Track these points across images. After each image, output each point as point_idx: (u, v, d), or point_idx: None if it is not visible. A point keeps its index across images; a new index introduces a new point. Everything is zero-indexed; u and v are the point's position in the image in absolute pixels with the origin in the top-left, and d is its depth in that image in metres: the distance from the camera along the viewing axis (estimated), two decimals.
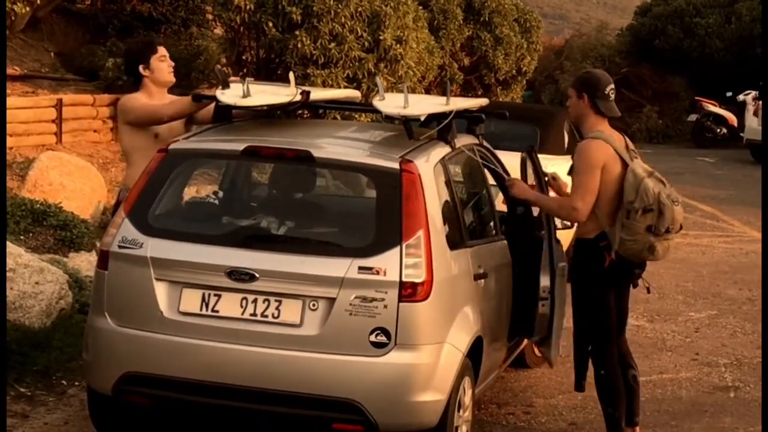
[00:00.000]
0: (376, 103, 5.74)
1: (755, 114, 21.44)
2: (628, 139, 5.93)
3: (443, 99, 5.96)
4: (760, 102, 21.45)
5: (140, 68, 6.28)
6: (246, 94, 5.72)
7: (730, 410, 6.89)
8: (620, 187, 5.71)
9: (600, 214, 5.77)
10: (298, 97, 6.06)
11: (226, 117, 6.01)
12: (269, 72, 13.55)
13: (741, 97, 22.24)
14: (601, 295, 5.85)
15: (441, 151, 5.65)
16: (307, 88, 6.27)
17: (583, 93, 5.85)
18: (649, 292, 6.28)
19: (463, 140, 6.10)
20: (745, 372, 7.72)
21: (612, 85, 5.89)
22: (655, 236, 5.67)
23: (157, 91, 6.32)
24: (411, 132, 5.61)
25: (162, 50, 6.37)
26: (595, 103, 5.82)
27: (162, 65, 6.32)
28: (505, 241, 6.40)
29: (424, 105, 6.05)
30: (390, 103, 5.77)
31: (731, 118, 23.22)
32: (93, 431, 5.70)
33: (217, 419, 5.33)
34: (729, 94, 22.82)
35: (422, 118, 6.17)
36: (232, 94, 5.78)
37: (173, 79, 6.43)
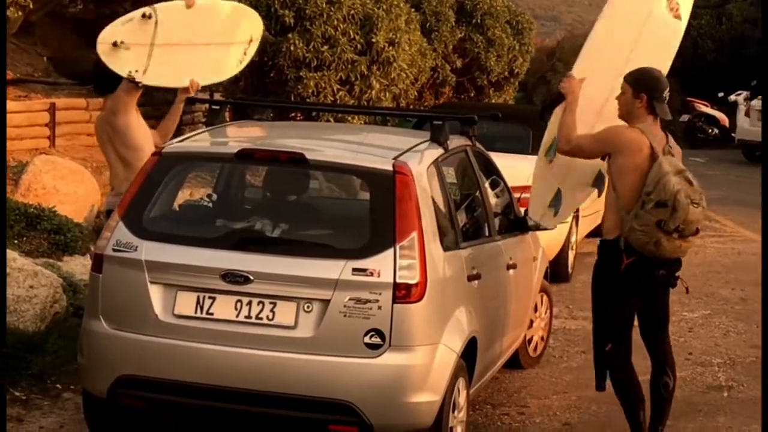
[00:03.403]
0: None
1: (747, 114, 21.48)
2: (671, 139, 5.90)
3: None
4: (752, 102, 21.51)
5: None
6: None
7: (724, 409, 6.92)
8: (645, 178, 5.66)
9: (621, 202, 5.72)
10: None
11: (220, 119, 6.03)
12: (261, 75, 13.56)
13: (732, 97, 22.27)
14: (617, 297, 5.82)
15: (434, 152, 5.67)
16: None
17: (642, 93, 5.80)
18: (687, 292, 6.22)
19: (456, 142, 6.12)
20: (738, 371, 7.74)
21: (668, 89, 5.87)
22: (663, 232, 5.60)
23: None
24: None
25: None
26: (652, 104, 5.79)
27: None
28: (500, 242, 6.43)
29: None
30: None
31: (723, 118, 23.26)
32: None
33: (213, 422, 5.34)
34: (721, 94, 22.86)
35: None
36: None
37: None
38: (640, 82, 5.83)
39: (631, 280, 5.78)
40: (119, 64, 6.52)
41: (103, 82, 6.80)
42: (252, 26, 7.49)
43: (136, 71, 6.53)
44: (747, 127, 21.13)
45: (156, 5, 6.77)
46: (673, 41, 6.48)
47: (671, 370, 5.98)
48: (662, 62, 6.28)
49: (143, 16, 6.61)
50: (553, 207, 6.40)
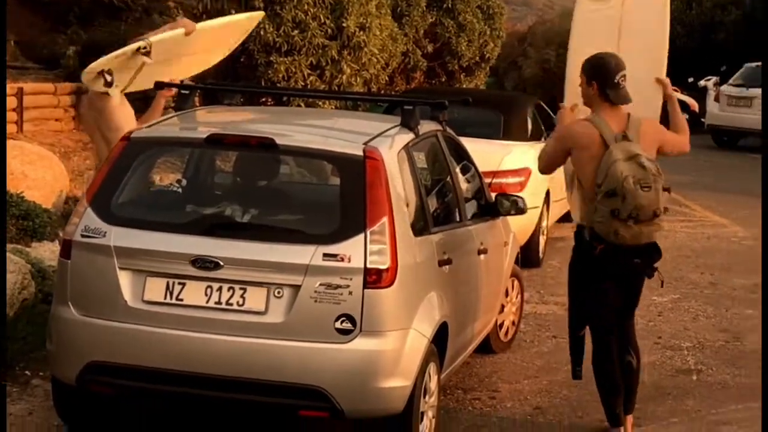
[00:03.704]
0: None
1: (716, 99, 21.62)
2: (639, 120, 5.76)
3: None
4: (721, 88, 21.63)
5: None
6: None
7: (693, 393, 6.96)
8: None
9: (584, 193, 5.76)
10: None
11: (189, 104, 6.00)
12: (231, 60, 13.48)
13: (702, 82, 22.40)
14: (591, 283, 5.85)
15: (404, 137, 5.66)
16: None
17: (593, 81, 5.76)
18: (662, 286, 6.29)
19: (427, 127, 6.11)
20: (707, 355, 7.79)
21: (623, 72, 5.74)
22: (619, 221, 5.60)
23: None
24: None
25: None
26: (604, 91, 5.74)
27: None
28: (471, 227, 6.43)
29: None
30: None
31: (693, 103, 23.17)
32: (57, 421, 5.68)
33: (183, 408, 5.32)
34: (691, 80, 22.97)
35: None
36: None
37: None
38: (590, 70, 5.81)
39: (604, 267, 5.80)
40: (99, 84, 6.62)
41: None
42: (248, 24, 7.68)
43: (116, 86, 6.69)
44: (716, 112, 21.29)
45: (153, 38, 6.77)
46: (662, 13, 6.27)
47: (634, 350, 6.03)
48: (656, 42, 6.16)
49: (138, 50, 6.64)
50: None
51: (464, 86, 17.51)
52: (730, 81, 21.66)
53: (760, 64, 21.34)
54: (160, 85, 6.41)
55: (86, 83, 6.74)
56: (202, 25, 7.25)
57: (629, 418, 6.03)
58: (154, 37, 6.78)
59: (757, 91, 20.70)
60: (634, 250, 5.72)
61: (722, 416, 6.55)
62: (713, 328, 8.54)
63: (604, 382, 5.94)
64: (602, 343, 5.93)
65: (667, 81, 6.17)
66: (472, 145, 7.40)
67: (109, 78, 6.61)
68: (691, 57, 24.53)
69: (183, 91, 6.17)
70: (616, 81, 5.73)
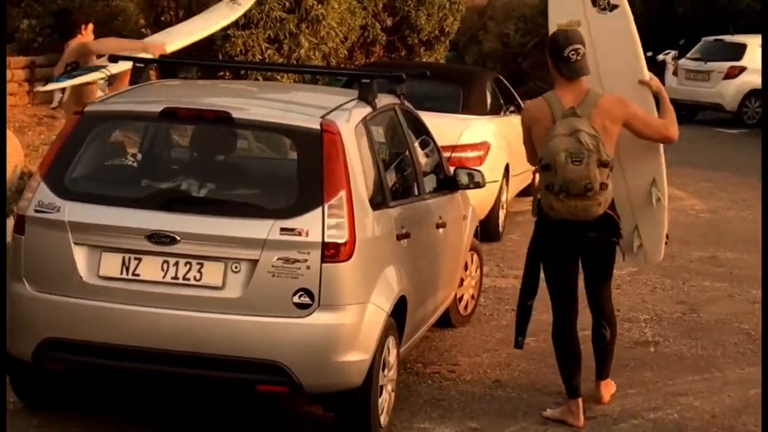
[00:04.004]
0: None
1: (675, 73, 21.74)
2: (592, 98, 5.76)
3: None
4: (680, 62, 21.75)
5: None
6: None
7: (650, 364, 7.01)
8: None
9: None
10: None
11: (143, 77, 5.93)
12: None
13: (661, 56, 22.51)
14: (545, 256, 5.90)
15: (362, 111, 5.63)
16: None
17: (549, 57, 5.84)
18: (624, 260, 6.36)
19: (385, 100, 6.07)
20: (664, 327, 7.85)
21: (574, 46, 5.73)
22: (553, 195, 5.66)
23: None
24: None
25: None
26: (558, 66, 5.78)
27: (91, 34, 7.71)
28: (430, 201, 6.41)
29: None
30: None
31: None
32: (13, 398, 5.62)
33: (140, 384, 5.28)
34: (649, 54, 23.04)
35: None
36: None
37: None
38: (548, 45, 5.89)
39: (557, 240, 5.84)
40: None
41: (66, 28, 7.66)
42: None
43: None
44: (674, 86, 21.36)
45: (114, 70, 6.97)
46: (627, 28, 6.22)
47: (607, 323, 6.09)
48: (631, 56, 6.20)
49: (103, 78, 6.77)
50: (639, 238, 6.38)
51: (424, 60, 17.47)
52: (688, 55, 21.78)
53: (717, 38, 21.50)
54: (114, 59, 6.32)
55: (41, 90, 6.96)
56: (172, 46, 7.33)
57: (601, 383, 6.18)
58: (116, 69, 6.86)
59: (715, 65, 20.85)
60: (587, 224, 5.75)
61: (679, 387, 6.61)
62: (670, 300, 8.60)
63: (561, 354, 6.00)
64: (558, 315, 5.98)
65: (651, 79, 6.17)
66: (431, 119, 7.38)
67: (61, 94, 6.73)
68: (650, 31, 24.63)
69: (138, 65, 6.10)
70: (566, 55, 5.74)
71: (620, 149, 5.98)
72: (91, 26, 7.84)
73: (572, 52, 5.74)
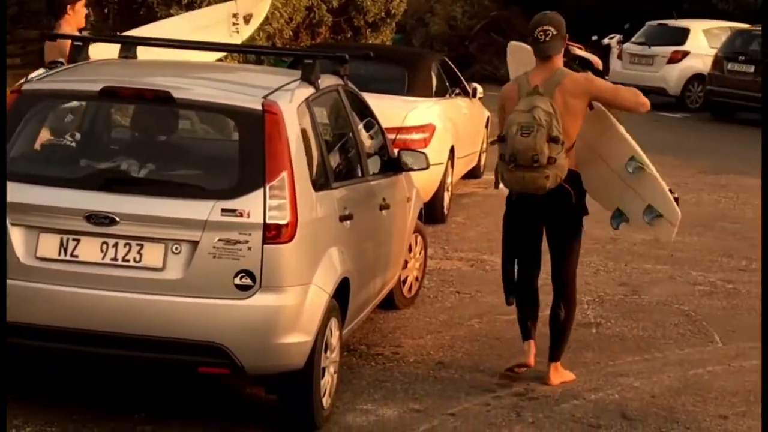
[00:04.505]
0: None
1: (619, 57, 21.90)
2: (557, 76, 6.08)
3: None
4: (624, 46, 21.90)
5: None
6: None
7: (592, 345, 7.07)
8: None
9: None
10: None
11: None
12: (131, 13, 13.20)
13: (606, 40, 22.65)
14: (510, 224, 6.26)
15: (304, 91, 5.59)
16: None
17: (528, 36, 6.17)
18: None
19: (328, 81, 6.04)
20: (606, 308, 7.92)
21: (541, 27, 6.08)
22: (504, 164, 6.01)
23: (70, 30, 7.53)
24: None
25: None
26: (530, 44, 6.15)
27: (83, 9, 7.94)
28: (374, 183, 6.40)
29: None
30: None
31: (597, 61, 23.48)
32: None
33: (80, 366, 5.22)
34: (595, 37, 23.21)
35: None
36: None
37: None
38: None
39: (519, 211, 6.20)
40: None
41: (54, 9, 7.85)
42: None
43: None
44: (619, 70, 21.55)
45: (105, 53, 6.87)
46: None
47: (564, 302, 6.32)
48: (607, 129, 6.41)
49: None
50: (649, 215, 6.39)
51: (370, 42, 17.42)
52: (633, 39, 21.94)
53: (661, 22, 21.67)
54: (50, 37, 6.22)
55: None
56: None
57: (552, 365, 6.31)
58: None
59: (659, 50, 21.02)
60: (541, 198, 6.01)
61: (619, 368, 6.67)
62: (613, 282, 8.68)
63: (521, 301, 6.36)
64: (522, 278, 6.33)
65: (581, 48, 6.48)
66: (376, 101, 7.35)
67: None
68: (595, 15, 24.80)
69: (76, 43, 6.00)
70: (535, 36, 6.09)
71: (593, 142, 6.30)
72: (79, 4, 7.89)
73: (540, 33, 6.10)
